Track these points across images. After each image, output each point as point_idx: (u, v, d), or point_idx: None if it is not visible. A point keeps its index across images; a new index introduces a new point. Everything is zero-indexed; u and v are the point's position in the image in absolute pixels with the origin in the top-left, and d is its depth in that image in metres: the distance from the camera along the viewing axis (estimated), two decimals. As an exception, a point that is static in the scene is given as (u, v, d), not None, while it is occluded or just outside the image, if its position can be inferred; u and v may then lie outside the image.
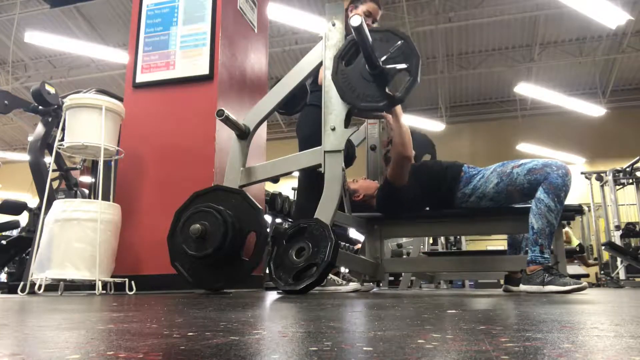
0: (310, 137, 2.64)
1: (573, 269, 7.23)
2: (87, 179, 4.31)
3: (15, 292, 2.44)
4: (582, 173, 8.92)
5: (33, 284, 2.36)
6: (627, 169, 7.77)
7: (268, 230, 2.23)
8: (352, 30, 1.84)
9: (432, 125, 11.36)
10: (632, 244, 7.47)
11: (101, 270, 2.42)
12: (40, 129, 3.48)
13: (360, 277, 2.90)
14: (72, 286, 2.69)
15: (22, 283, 2.44)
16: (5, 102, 3.56)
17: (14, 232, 4.71)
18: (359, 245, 4.55)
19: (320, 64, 2.23)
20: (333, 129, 2.13)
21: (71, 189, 4.04)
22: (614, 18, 7.17)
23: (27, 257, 3.50)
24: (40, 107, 3.46)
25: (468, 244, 9.76)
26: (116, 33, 10.44)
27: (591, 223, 8.84)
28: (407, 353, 0.47)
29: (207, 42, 3.01)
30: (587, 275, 7.66)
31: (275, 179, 3.21)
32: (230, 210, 2.05)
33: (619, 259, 7.26)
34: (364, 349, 0.51)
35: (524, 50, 10.87)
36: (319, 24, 7.21)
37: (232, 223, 2.01)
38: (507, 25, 10.10)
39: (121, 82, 10.89)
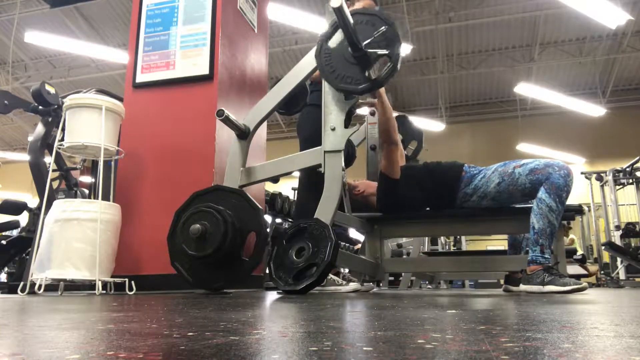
0: (311, 137, 2.64)
1: (573, 269, 7.24)
2: (87, 179, 4.31)
3: (15, 292, 2.44)
4: (582, 173, 8.92)
5: (33, 284, 2.36)
6: (627, 169, 7.77)
7: (268, 230, 2.23)
8: (333, 11, 1.83)
9: (432, 125, 11.36)
10: (632, 244, 7.46)
11: (101, 270, 2.42)
12: (40, 129, 3.48)
13: (360, 277, 2.90)
14: (72, 286, 2.69)
15: (22, 283, 2.44)
16: (5, 102, 3.56)
17: (14, 232, 4.71)
18: (359, 245, 4.55)
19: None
20: (333, 129, 2.13)
21: (71, 189, 4.04)
22: (614, 18, 7.17)
23: (27, 257, 3.50)
24: (40, 107, 3.46)
25: (468, 244, 9.76)
26: (116, 33, 10.44)
27: (591, 223, 8.83)
28: (407, 353, 0.47)
29: (207, 42, 3.01)
30: (587, 275, 7.66)
31: (275, 179, 3.20)
32: (230, 210, 2.05)
33: (619, 259, 7.26)
34: (364, 349, 0.51)
35: (524, 50, 10.87)
36: (319, 24, 7.21)
37: (232, 223, 2.01)
38: (507, 25, 10.11)
39: (121, 82, 10.89)
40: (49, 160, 3.27)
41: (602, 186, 8.30)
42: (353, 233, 5.32)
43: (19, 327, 0.78)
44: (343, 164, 2.13)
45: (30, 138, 3.50)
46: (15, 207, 4.15)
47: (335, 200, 2.06)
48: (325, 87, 2.18)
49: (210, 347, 0.51)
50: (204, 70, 2.97)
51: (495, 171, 2.44)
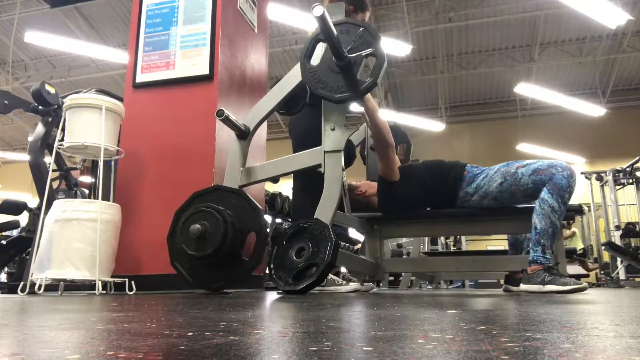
0: (304, 136, 2.65)
1: (573, 269, 7.24)
2: (87, 179, 4.31)
3: (15, 292, 2.44)
4: (582, 173, 8.92)
5: (33, 284, 2.36)
6: (627, 169, 7.76)
7: (268, 230, 2.23)
8: (316, 19, 1.84)
9: (432, 125, 11.36)
10: (632, 244, 7.46)
11: (101, 270, 2.42)
12: (40, 129, 3.48)
13: (360, 277, 2.90)
14: (72, 286, 2.69)
15: (22, 283, 2.44)
16: (5, 102, 3.56)
17: (14, 232, 4.71)
18: (359, 245, 4.55)
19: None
20: (333, 129, 2.13)
21: (71, 189, 4.04)
22: (614, 18, 7.17)
23: (27, 257, 3.50)
24: (40, 107, 3.46)
25: (468, 244, 9.76)
26: (116, 33, 10.44)
27: (591, 223, 8.83)
28: (407, 353, 0.47)
29: (207, 42, 3.01)
30: (587, 276, 7.66)
31: (275, 179, 3.21)
32: (230, 210, 2.05)
33: (619, 259, 7.26)
34: (364, 349, 0.51)
35: (524, 50, 10.87)
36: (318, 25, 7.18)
37: (232, 223, 2.01)
38: (507, 25, 10.11)
39: (121, 82, 10.89)
40: (49, 160, 3.27)
41: (602, 186, 8.29)
42: (353, 233, 5.32)
43: (19, 327, 0.78)
44: (343, 163, 2.13)
45: (30, 138, 3.50)
46: (15, 207, 4.15)
47: (335, 200, 2.06)
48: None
49: (210, 347, 0.51)
50: (204, 70, 2.97)
51: (498, 171, 2.44)
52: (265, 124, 2.91)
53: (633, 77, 11.73)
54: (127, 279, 2.55)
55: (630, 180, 7.78)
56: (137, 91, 3.11)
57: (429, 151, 10.55)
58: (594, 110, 10.54)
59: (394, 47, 8.58)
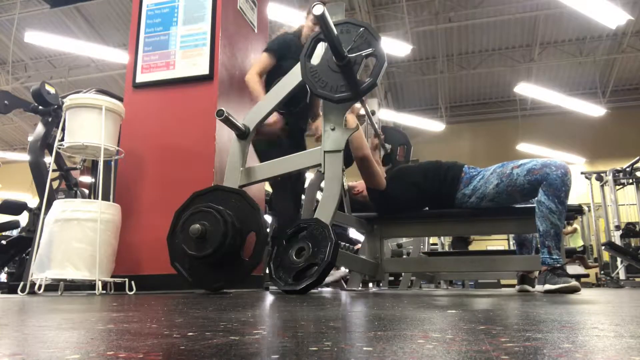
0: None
1: (573, 269, 7.23)
2: (87, 179, 4.31)
3: (15, 292, 2.44)
4: (582, 173, 8.92)
5: (33, 284, 2.36)
6: (627, 169, 7.76)
7: (268, 230, 2.23)
8: (316, 19, 1.84)
9: (432, 125, 11.36)
10: (632, 244, 7.46)
11: (101, 270, 2.42)
12: (40, 129, 3.48)
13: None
14: (72, 286, 2.69)
15: (22, 283, 2.44)
16: (5, 102, 3.56)
17: (14, 232, 4.71)
18: (359, 245, 4.55)
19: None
20: (333, 129, 2.13)
21: (71, 189, 4.04)
22: (614, 18, 7.17)
23: (27, 257, 3.50)
24: (40, 107, 3.46)
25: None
26: (116, 33, 10.44)
27: (591, 223, 8.83)
28: (407, 353, 0.47)
29: (207, 42, 3.01)
30: (586, 276, 7.66)
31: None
32: (230, 210, 2.05)
33: (619, 259, 7.26)
34: (364, 349, 0.51)
35: (524, 50, 10.87)
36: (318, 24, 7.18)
37: (232, 223, 2.01)
38: (507, 25, 10.11)
39: (121, 82, 10.89)
40: (49, 160, 3.27)
41: (602, 186, 8.29)
42: (353, 233, 5.32)
43: (19, 327, 0.78)
44: (343, 164, 2.13)
45: (30, 138, 3.50)
46: (15, 207, 4.15)
47: (335, 200, 2.06)
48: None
49: (210, 347, 0.51)
50: (204, 70, 2.97)
51: (494, 172, 2.44)
52: (265, 124, 2.91)
53: (633, 77, 11.73)
54: (127, 279, 2.55)
55: (630, 180, 7.78)
56: (137, 91, 3.11)
57: (429, 151, 10.55)
58: (594, 110, 10.54)
59: (394, 47, 8.58)
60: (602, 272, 7.91)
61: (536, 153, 11.17)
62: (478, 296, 2.06)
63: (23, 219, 4.42)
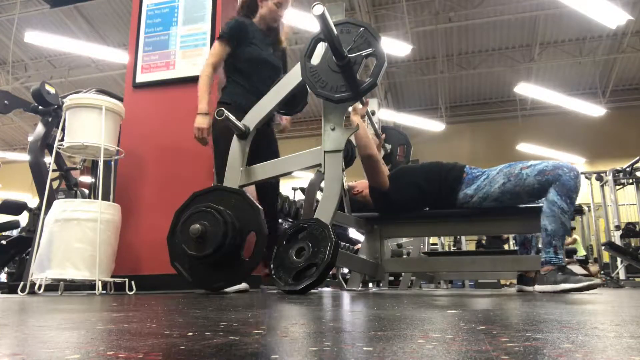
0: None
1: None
2: (87, 179, 4.31)
3: (15, 292, 2.45)
4: (582, 173, 8.91)
5: (33, 284, 2.37)
6: (627, 169, 7.76)
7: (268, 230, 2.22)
8: (316, 18, 1.83)
9: (432, 125, 11.36)
10: (632, 244, 7.46)
11: (101, 270, 2.42)
12: (40, 129, 3.48)
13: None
14: (72, 286, 2.69)
15: (22, 283, 2.45)
16: (5, 102, 3.56)
17: (14, 232, 4.71)
18: (359, 245, 4.55)
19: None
20: (333, 129, 2.13)
21: (71, 189, 4.04)
22: (614, 18, 7.17)
23: (27, 257, 3.50)
24: (40, 107, 3.46)
25: (468, 244, 9.76)
26: (116, 33, 10.44)
27: (591, 223, 8.83)
28: (407, 353, 0.47)
29: (207, 42, 3.02)
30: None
31: (275, 179, 3.21)
32: (230, 210, 2.05)
33: (619, 259, 7.26)
34: (364, 349, 0.51)
35: (524, 50, 10.88)
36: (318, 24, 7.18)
37: (232, 223, 2.01)
38: (507, 25, 10.11)
39: (121, 82, 10.89)
40: (49, 160, 3.27)
41: (602, 186, 8.29)
42: (353, 233, 5.31)
43: (19, 327, 0.78)
44: (343, 164, 2.13)
45: (30, 138, 3.51)
46: (15, 207, 4.15)
47: (335, 200, 2.06)
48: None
49: (210, 347, 0.51)
50: (204, 70, 2.97)
51: (500, 172, 2.44)
52: (265, 124, 2.90)
53: (633, 77, 11.74)
54: (127, 279, 2.55)
55: (630, 180, 7.77)
56: (137, 91, 3.11)
57: (429, 151, 10.56)
58: (594, 110, 10.54)
59: (394, 47, 8.58)
60: (602, 272, 7.91)
61: (536, 153, 11.18)
62: (478, 296, 2.06)
63: (23, 219, 4.42)
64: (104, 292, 2.48)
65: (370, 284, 5.14)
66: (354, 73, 2.01)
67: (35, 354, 0.48)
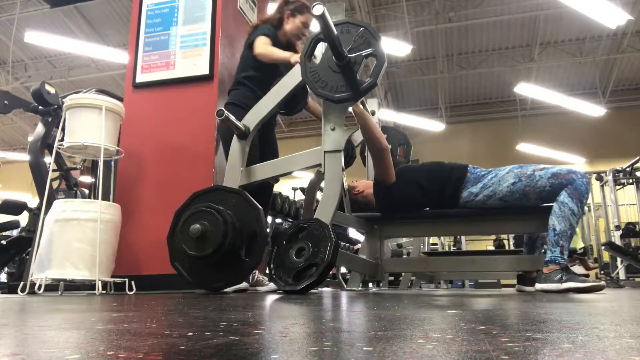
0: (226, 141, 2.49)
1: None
2: (87, 179, 4.31)
3: (15, 292, 2.45)
4: (582, 173, 8.91)
5: (33, 284, 2.36)
6: (627, 169, 7.77)
7: (268, 230, 2.23)
8: (316, 18, 1.83)
9: (432, 125, 11.36)
10: (632, 244, 7.46)
11: (101, 270, 2.42)
12: (40, 129, 3.48)
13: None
14: (72, 286, 2.69)
15: (22, 283, 2.44)
16: (5, 102, 3.56)
17: (14, 232, 4.71)
18: (359, 245, 4.55)
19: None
20: (333, 129, 2.13)
21: (71, 189, 4.05)
22: (614, 18, 7.17)
23: (27, 257, 3.50)
24: (40, 107, 3.47)
25: (468, 244, 9.76)
26: (116, 33, 10.44)
27: (591, 223, 8.84)
28: (407, 353, 0.47)
29: (207, 42, 3.01)
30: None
31: (275, 179, 3.22)
32: (230, 210, 2.05)
33: (619, 259, 7.26)
34: (364, 349, 0.51)
35: (524, 50, 10.87)
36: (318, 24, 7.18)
37: (232, 223, 2.01)
38: (507, 25, 10.11)
39: (121, 82, 10.89)
40: (49, 160, 3.27)
41: (602, 186, 8.30)
42: (353, 233, 5.32)
43: (19, 327, 0.78)
44: (343, 163, 2.13)
45: (30, 138, 3.51)
46: (15, 207, 4.15)
47: (335, 200, 2.06)
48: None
49: (210, 347, 0.51)
50: (204, 70, 2.97)
51: (511, 172, 2.46)
52: (265, 124, 2.90)
53: (633, 77, 11.73)
54: (127, 279, 2.55)
55: (630, 180, 7.78)
56: (137, 91, 3.11)
57: (429, 151, 10.55)
58: (594, 110, 10.54)
59: (394, 47, 8.58)
60: (602, 272, 7.91)
61: (536, 153, 11.18)
62: (478, 296, 2.06)
63: (23, 219, 4.42)
64: (104, 292, 2.48)
65: (370, 284, 5.14)
66: (354, 73, 2.01)
67: (35, 354, 0.48)
